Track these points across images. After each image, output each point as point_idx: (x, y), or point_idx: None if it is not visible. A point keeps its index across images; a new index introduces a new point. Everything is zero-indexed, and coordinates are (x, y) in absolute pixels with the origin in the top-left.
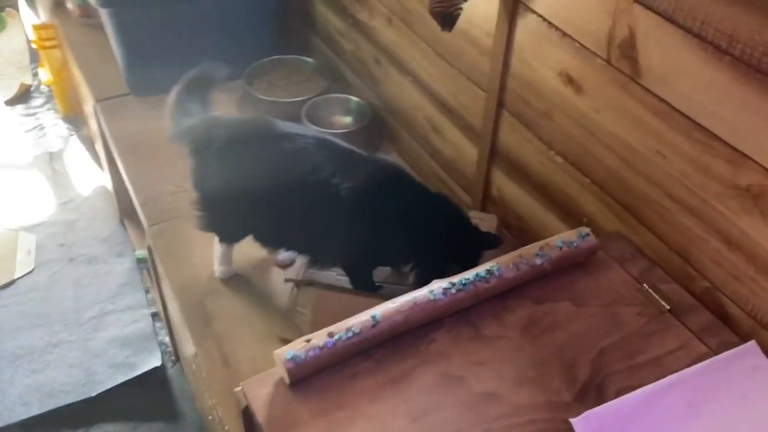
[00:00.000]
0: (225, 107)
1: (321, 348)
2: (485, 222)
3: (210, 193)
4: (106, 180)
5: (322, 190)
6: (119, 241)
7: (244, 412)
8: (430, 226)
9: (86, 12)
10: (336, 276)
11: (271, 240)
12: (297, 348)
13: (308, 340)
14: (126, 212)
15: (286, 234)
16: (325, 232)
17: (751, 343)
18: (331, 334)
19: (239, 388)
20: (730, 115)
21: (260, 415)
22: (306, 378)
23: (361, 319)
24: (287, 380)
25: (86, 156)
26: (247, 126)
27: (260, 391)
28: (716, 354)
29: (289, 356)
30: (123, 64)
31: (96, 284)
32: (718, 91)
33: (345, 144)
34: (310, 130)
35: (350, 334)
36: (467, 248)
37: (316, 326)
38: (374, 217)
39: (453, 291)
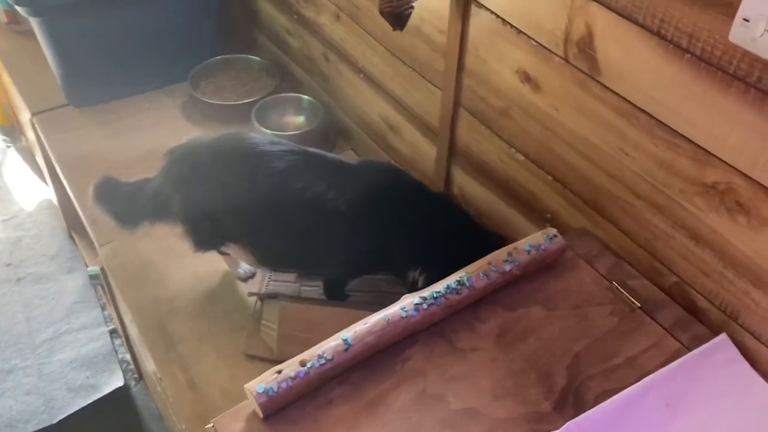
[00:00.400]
0: (169, 112)
1: (293, 378)
2: None
3: (200, 222)
4: (49, 193)
5: (318, 206)
6: (69, 257)
7: None
8: (437, 227)
9: (14, 18)
10: (300, 287)
11: (269, 261)
12: (268, 381)
13: (279, 371)
14: (74, 226)
15: (285, 253)
16: (326, 247)
17: (722, 336)
18: (303, 363)
19: (210, 425)
20: (693, 113)
21: None
22: (280, 409)
23: (332, 344)
24: (260, 414)
25: (26, 169)
26: (228, 147)
27: (233, 427)
28: (689, 349)
29: (260, 390)
30: (59, 74)
31: (48, 304)
32: (680, 90)
33: (330, 155)
34: (291, 144)
35: (323, 360)
36: (476, 248)
37: (282, 339)
38: (379, 226)
39: (425, 306)
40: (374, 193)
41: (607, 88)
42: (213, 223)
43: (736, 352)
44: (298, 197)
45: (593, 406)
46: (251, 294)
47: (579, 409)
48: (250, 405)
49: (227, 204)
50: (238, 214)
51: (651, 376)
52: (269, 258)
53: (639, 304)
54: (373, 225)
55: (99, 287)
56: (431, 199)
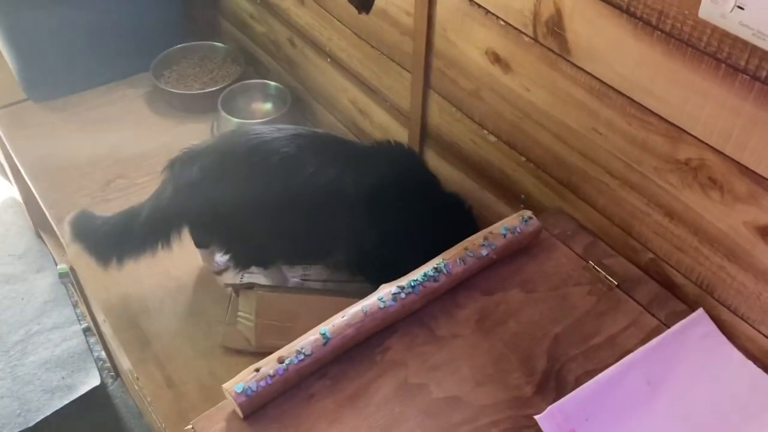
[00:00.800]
0: (132, 104)
1: (272, 376)
2: None
3: (211, 225)
4: (13, 191)
5: (335, 191)
6: (37, 256)
7: None
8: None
9: None
10: (279, 275)
11: (294, 256)
12: (247, 380)
13: (257, 369)
14: (41, 224)
15: (305, 243)
16: (348, 234)
17: (699, 312)
18: (281, 360)
19: (190, 427)
20: (664, 91)
21: None
22: (260, 407)
23: (310, 338)
24: (240, 414)
25: None
26: (233, 144)
27: (213, 428)
28: (667, 325)
29: (239, 390)
30: (15, 68)
31: (18, 305)
32: (650, 67)
33: (336, 135)
34: (298, 127)
35: (301, 356)
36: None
37: (261, 330)
38: (400, 208)
39: (402, 295)
40: (386, 179)
41: (577, 67)
42: (238, 225)
43: (713, 326)
44: (311, 183)
45: (575, 388)
46: (227, 285)
47: (561, 391)
48: (229, 404)
49: (248, 201)
50: (260, 209)
51: (631, 354)
52: (289, 254)
53: (616, 283)
54: (385, 213)
55: (69, 285)
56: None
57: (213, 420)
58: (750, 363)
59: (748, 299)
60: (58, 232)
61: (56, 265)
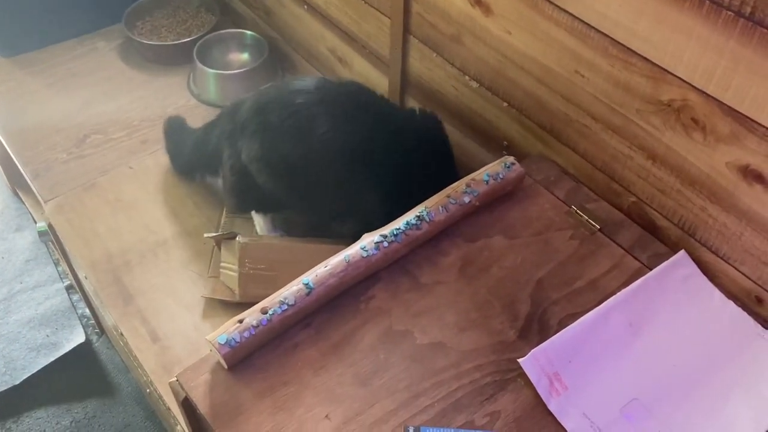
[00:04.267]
0: (105, 56)
1: (256, 327)
2: None
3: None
4: None
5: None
6: (15, 215)
7: (184, 402)
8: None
9: None
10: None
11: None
12: (230, 331)
13: (241, 321)
14: (17, 182)
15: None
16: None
17: (681, 253)
18: (264, 310)
19: (174, 380)
20: (647, 31)
21: (201, 405)
22: (245, 358)
23: (293, 288)
24: (225, 365)
25: None
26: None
27: (198, 380)
28: (649, 268)
29: (222, 341)
30: None
31: None
32: (633, 6)
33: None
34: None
35: (285, 306)
36: None
37: (244, 279)
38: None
39: (385, 244)
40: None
41: (559, 8)
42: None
43: (694, 267)
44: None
45: (558, 332)
46: (208, 236)
47: (544, 335)
48: (213, 356)
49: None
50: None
51: (613, 297)
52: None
53: (598, 227)
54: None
55: (50, 243)
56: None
57: (198, 372)
58: (731, 302)
59: (729, 240)
60: (34, 189)
61: (35, 223)
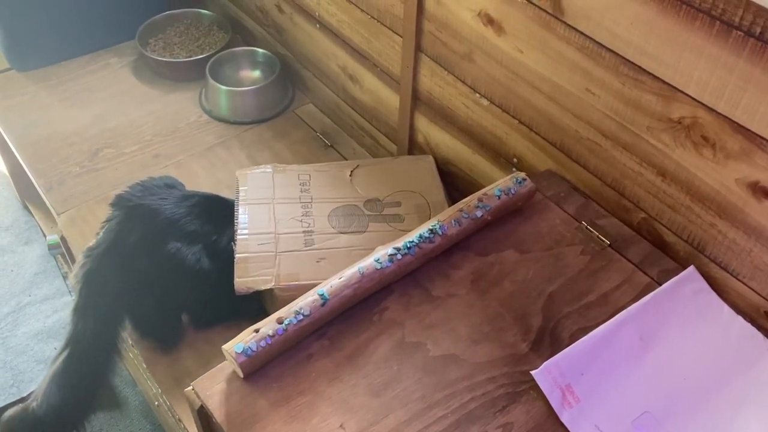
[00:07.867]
0: (118, 72)
1: (272, 336)
2: (423, 163)
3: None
4: None
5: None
6: (25, 228)
7: (200, 411)
8: None
9: None
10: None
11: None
12: (246, 340)
13: (257, 330)
14: (27, 195)
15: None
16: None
17: (691, 269)
18: (280, 320)
19: (190, 388)
20: (658, 49)
21: (218, 414)
22: (260, 367)
23: (308, 299)
24: (241, 374)
25: None
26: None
27: (213, 389)
28: (659, 283)
29: (239, 350)
30: None
31: (7, 277)
32: (644, 26)
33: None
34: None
35: (300, 316)
36: None
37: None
38: None
39: (399, 256)
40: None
41: (571, 27)
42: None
43: (704, 283)
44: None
45: (569, 345)
46: None
47: (555, 348)
48: (229, 365)
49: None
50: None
51: (624, 311)
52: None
53: (608, 242)
54: None
55: (59, 256)
56: None
57: (214, 380)
58: (740, 317)
59: (738, 255)
60: (47, 202)
61: (44, 236)
